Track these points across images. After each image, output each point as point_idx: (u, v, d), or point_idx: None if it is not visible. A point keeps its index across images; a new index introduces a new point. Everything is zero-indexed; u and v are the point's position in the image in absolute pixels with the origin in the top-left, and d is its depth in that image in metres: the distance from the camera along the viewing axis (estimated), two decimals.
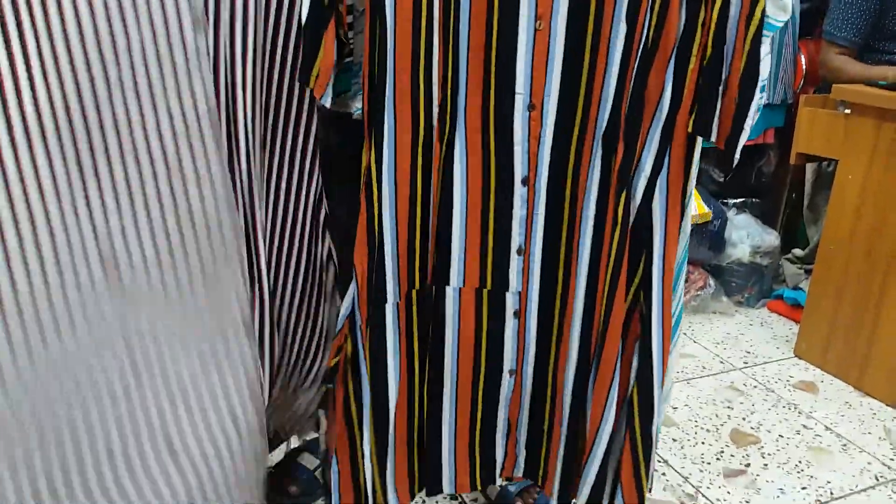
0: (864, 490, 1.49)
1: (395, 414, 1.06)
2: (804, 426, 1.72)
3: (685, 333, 2.19)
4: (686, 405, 1.79)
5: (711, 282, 2.28)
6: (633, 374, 1.03)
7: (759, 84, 0.90)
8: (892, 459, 1.60)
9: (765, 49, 0.90)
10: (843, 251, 1.92)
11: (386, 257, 0.99)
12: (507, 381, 1.10)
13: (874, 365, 1.86)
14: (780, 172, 2.69)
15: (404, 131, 0.96)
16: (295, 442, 1.41)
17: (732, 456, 1.59)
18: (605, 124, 0.96)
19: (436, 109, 0.97)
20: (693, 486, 1.48)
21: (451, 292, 1.05)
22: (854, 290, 1.90)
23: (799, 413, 1.77)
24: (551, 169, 1.00)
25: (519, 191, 1.01)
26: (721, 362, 2.02)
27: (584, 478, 1.07)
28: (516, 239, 1.03)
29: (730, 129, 0.91)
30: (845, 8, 2.19)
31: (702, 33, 0.90)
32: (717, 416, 1.74)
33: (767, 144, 2.59)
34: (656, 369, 1.02)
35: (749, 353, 2.08)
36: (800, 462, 1.57)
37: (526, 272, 1.05)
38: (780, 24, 0.93)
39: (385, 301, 1.00)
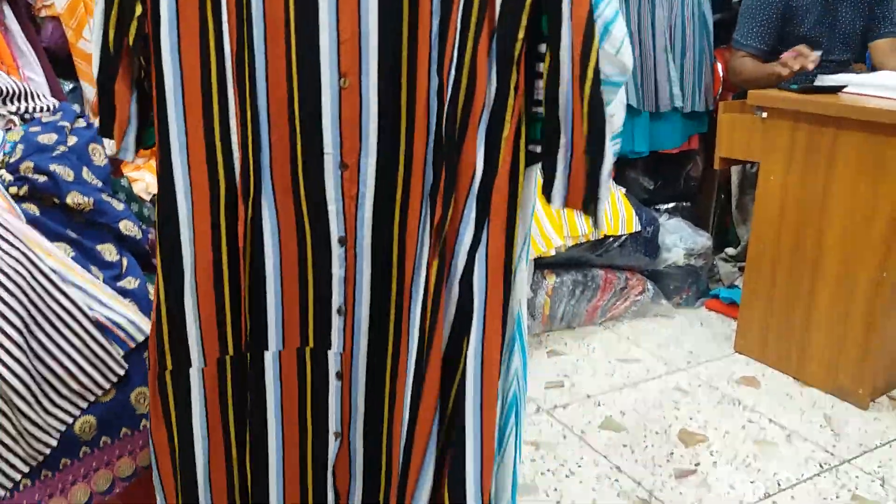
0: (811, 478, 1.53)
1: (211, 474, 1.01)
2: (749, 420, 1.75)
3: (628, 338, 2.22)
4: (634, 409, 1.80)
5: (650, 286, 2.33)
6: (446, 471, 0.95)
7: (608, 142, 0.85)
8: (833, 446, 1.65)
9: (612, 108, 0.86)
10: (772, 248, 1.98)
11: (188, 321, 0.94)
12: (332, 444, 1.03)
13: (811, 355, 1.92)
14: (707, 176, 2.78)
15: (201, 191, 0.91)
16: None
17: (682, 456, 1.61)
18: (429, 184, 0.91)
19: (237, 168, 0.91)
20: (646, 489, 1.49)
21: (269, 357, 0.98)
22: (786, 285, 1.96)
23: (743, 408, 1.81)
24: (375, 229, 0.94)
25: (336, 251, 0.95)
26: (665, 364, 2.05)
27: None
28: (336, 299, 0.97)
29: (584, 190, 0.85)
30: (751, 18, 2.29)
31: (515, 97, 0.85)
32: (664, 417, 1.76)
33: (693, 150, 2.67)
34: (470, 479, 0.93)
35: (691, 353, 2.12)
36: (747, 457, 1.60)
37: (350, 332, 0.99)
38: (622, 82, 0.87)
39: (189, 365, 0.96)
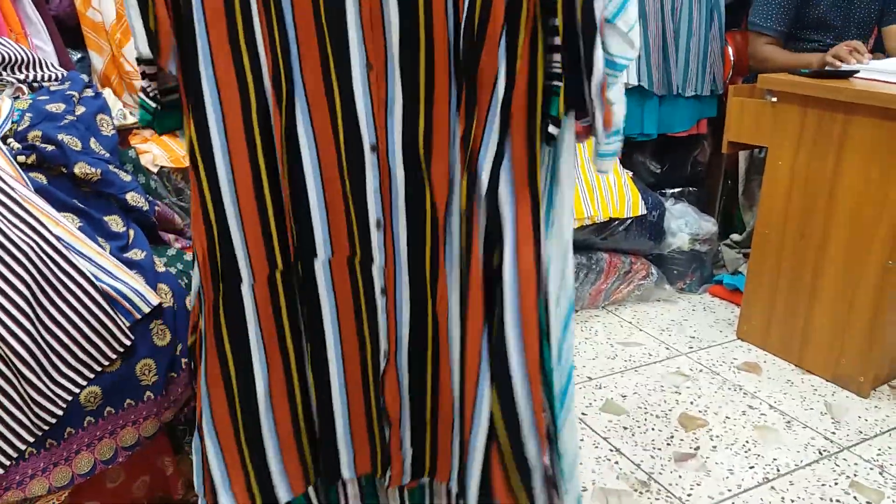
0: (809, 464, 1.54)
1: (272, 397, 0.99)
2: (749, 406, 1.76)
3: (630, 322, 2.22)
4: (635, 393, 1.81)
5: (654, 270, 2.32)
6: (489, 389, 0.93)
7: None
8: (833, 433, 1.66)
9: (614, 92, 0.87)
10: (778, 234, 1.98)
11: (233, 237, 0.92)
12: (381, 364, 1.01)
13: (813, 343, 1.92)
14: (714, 161, 2.76)
15: (231, 103, 0.88)
16: None
17: (682, 440, 1.61)
18: (455, 96, 0.90)
19: (266, 75, 0.89)
20: (645, 472, 1.50)
21: (319, 265, 0.96)
22: (790, 272, 1.96)
23: (744, 394, 1.82)
24: (405, 136, 0.92)
25: (369, 158, 0.92)
26: (667, 349, 2.06)
27: (467, 475, 0.98)
28: (374, 211, 0.95)
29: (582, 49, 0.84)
30: (768, 1, 2.26)
31: (528, 4, 0.84)
32: (665, 401, 1.77)
33: (701, 135, 2.65)
34: (518, 384, 0.92)
35: (693, 338, 2.13)
36: (747, 442, 1.61)
37: (390, 247, 0.96)
38: (628, 63, 0.88)
39: (240, 281, 0.93)
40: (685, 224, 2.40)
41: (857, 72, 1.91)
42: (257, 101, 0.89)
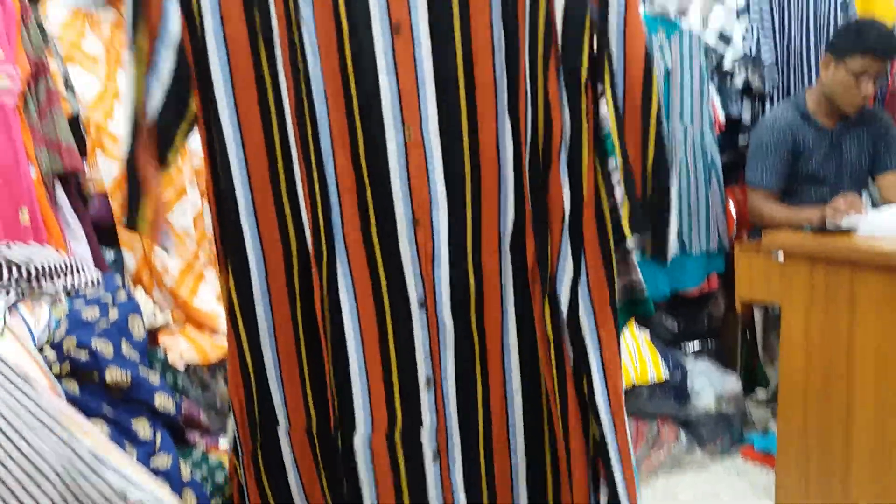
0: None
1: None
2: None
3: (665, 494, 2.14)
4: None
5: (683, 436, 2.28)
6: None
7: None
8: None
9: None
10: (802, 394, 1.95)
11: (271, 388, 0.90)
12: None
13: (856, 502, 1.84)
14: (729, 316, 2.78)
15: (275, 260, 0.88)
16: None
17: None
18: (509, 227, 0.88)
19: (308, 233, 0.88)
20: None
21: (359, 441, 0.92)
22: (819, 434, 1.91)
23: None
24: (453, 287, 0.89)
25: (417, 315, 0.89)
26: None
27: None
28: (423, 370, 0.91)
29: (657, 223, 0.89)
30: (762, 158, 2.35)
31: (588, 124, 0.85)
32: None
33: (713, 291, 2.69)
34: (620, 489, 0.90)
35: None
36: None
37: (441, 406, 0.92)
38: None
39: (277, 425, 0.92)
40: (709, 383, 2.38)
41: (856, 229, 1.95)
42: (299, 258, 0.88)
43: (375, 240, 0.88)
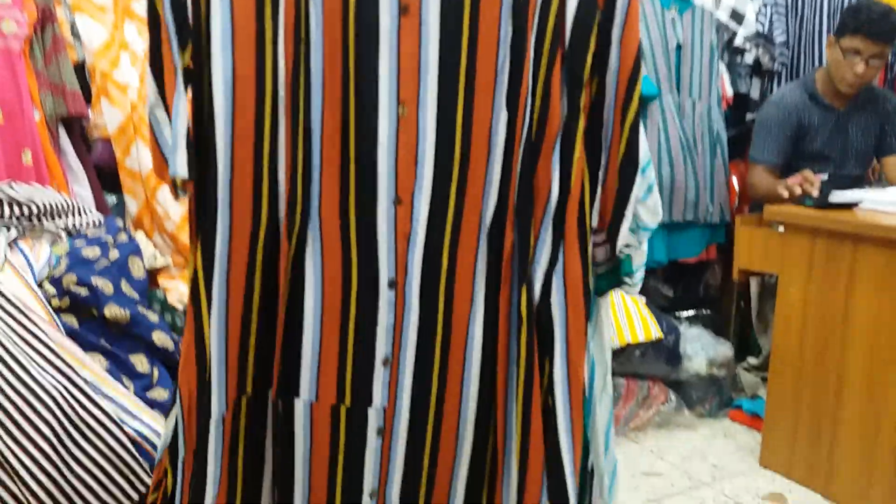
0: None
1: None
2: None
3: (652, 451, 2.18)
4: None
5: (672, 396, 2.31)
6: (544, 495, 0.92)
7: (639, 169, 0.89)
8: None
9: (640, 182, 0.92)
10: (795, 362, 1.97)
11: (212, 365, 0.87)
12: None
13: (840, 471, 1.87)
14: (726, 285, 2.80)
15: (242, 225, 0.86)
16: None
17: None
18: (489, 217, 0.89)
19: (283, 201, 0.87)
20: None
21: (300, 406, 0.92)
22: (810, 400, 1.94)
23: None
24: (425, 270, 0.89)
25: (385, 295, 0.89)
26: (689, 479, 2.01)
27: None
28: (382, 349, 0.91)
29: (611, 215, 0.90)
30: (766, 135, 2.37)
31: (583, 119, 0.87)
32: None
33: (711, 260, 2.71)
34: (570, 493, 0.92)
35: (716, 466, 2.08)
36: None
37: (393, 385, 0.92)
38: (653, 228, 0.96)
39: (209, 418, 0.88)
40: (701, 348, 2.40)
41: (860, 202, 1.96)
42: (268, 227, 0.87)
43: (353, 215, 0.87)
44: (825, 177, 2.12)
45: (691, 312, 2.69)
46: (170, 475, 0.91)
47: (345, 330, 0.90)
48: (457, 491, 0.97)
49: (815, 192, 2.02)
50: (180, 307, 1.60)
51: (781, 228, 2.02)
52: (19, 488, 1.02)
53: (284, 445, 0.93)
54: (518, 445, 0.92)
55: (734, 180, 2.74)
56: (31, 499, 1.03)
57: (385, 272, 0.89)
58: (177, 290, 1.63)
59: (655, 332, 2.24)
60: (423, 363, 0.93)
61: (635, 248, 0.97)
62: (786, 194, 2.08)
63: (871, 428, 1.80)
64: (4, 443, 1.04)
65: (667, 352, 2.28)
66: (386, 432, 0.94)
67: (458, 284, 0.90)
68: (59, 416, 1.11)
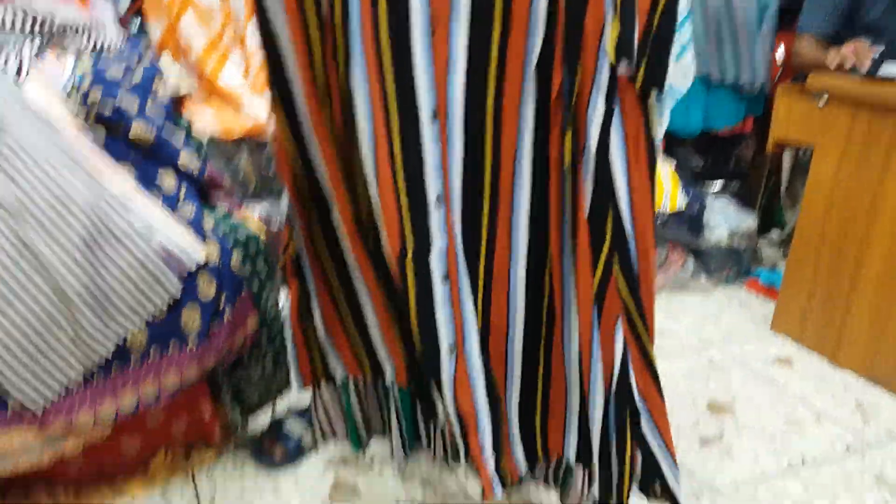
0: (836, 459, 1.53)
1: (371, 295, 1.04)
2: (779, 399, 1.75)
3: (664, 311, 2.22)
4: (663, 379, 1.81)
5: (691, 262, 2.32)
6: (617, 359, 0.93)
7: (676, 22, 0.81)
8: (863, 431, 1.64)
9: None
10: (818, 235, 1.95)
11: (317, 171, 0.94)
12: (448, 361, 0.93)
13: (849, 339, 1.90)
14: (758, 160, 2.74)
15: (299, 47, 0.86)
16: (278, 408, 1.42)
17: (708, 426, 1.62)
18: (535, 50, 0.82)
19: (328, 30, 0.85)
20: None
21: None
22: (829, 267, 1.94)
23: (775, 386, 1.81)
24: (468, 102, 0.84)
25: (428, 128, 0.84)
26: (699, 339, 2.05)
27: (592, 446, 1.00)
28: (434, 186, 0.86)
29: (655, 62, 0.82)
30: (818, 4, 2.23)
31: None
32: (694, 389, 1.78)
33: (745, 133, 2.64)
34: (643, 332, 0.95)
35: (727, 330, 2.12)
36: (774, 433, 1.61)
37: (450, 228, 0.88)
38: (685, 90, 0.89)
39: (329, 207, 0.96)
40: (725, 219, 2.38)
41: None
42: (324, 59, 0.86)
43: (385, 43, 0.83)
44: (880, 50, 2.01)
45: (719, 185, 2.65)
46: (292, 243, 1.01)
47: (394, 170, 0.87)
48: (514, 343, 0.98)
49: (867, 66, 1.92)
50: (205, 135, 1.60)
51: (824, 98, 1.93)
52: (51, 283, 1.06)
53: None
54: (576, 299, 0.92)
55: (779, 51, 2.61)
56: (67, 293, 1.07)
57: (426, 103, 0.84)
58: (203, 117, 1.62)
59: (680, 203, 2.22)
60: (472, 201, 0.89)
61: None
62: (834, 64, 1.98)
63: (886, 301, 1.80)
64: (40, 237, 1.07)
65: (690, 220, 2.26)
66: (452, 278, 0.89)
67: (505, 117, 0.85)
68: (88, 224, 1.13)
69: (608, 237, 0.87)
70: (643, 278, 0.91)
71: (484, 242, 0.90)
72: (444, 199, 0.87)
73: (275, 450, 1.34)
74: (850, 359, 1.90)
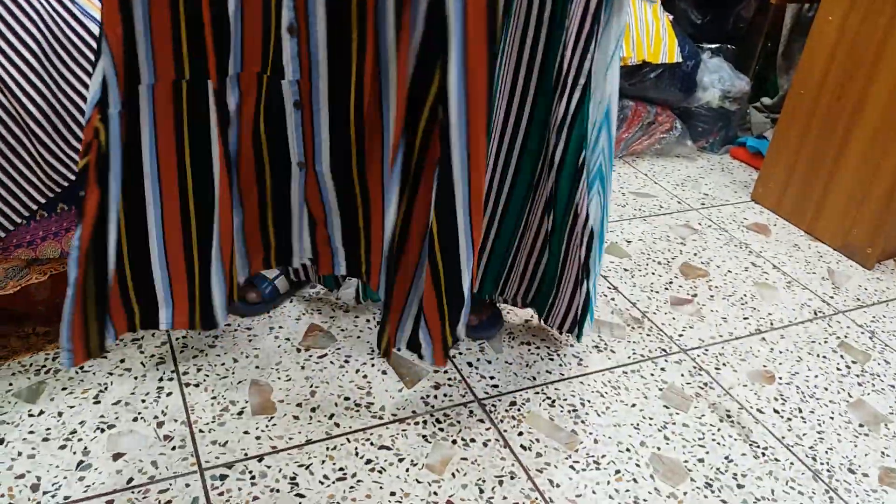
0: (803, 322, 1.57)
1: (165, 206, 0.93)
2: (752, 264, 1.77)
3: (646, 174, 2.19)
4: (640, 239, 1.81)
5: (678, 125, 2.26)
6: (432, 206, 0.90)
7: None
8: (832, 297, 1.68)
9: None
10: (813, 95, 1.90)
11: (137, 30, 0.81)
12: (296, 174, 0.99)
13: (827, 210, 1.90)
14: (758, 20, 2.61)
15: None
16: None
17: (681, 287, 1.64)
18: None
19: None
20: (640, 310, 1.53)
21: (230, 81, 0.89)
22: (818, 136, 1.90)
23: (749, 252, 1.82)
24: None
25: None
26: (679, 203, 2.04)
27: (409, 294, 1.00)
28: (287, 14, 0.85)
29: None
30: None
31: None
32: (669, 250, 1.78)
33: None
34: (461, 215, 0.88)
35: (707, 195, 2.11)
36: (745, 295, 1.63)
37: (305, 57, 0.88)
38: None
39: (138, 82, 0.84)
40: (718, 79, 2.30)
41: None
42: None
43: None
44: None
45: (715, 45, 2.54)
46: (103, 131, 0.84)
47: None
48: (390, 168, 0.94)
49: None
50: None
51: None
52: (9, 100, 0.97)
53: (205, 121, 0.90)
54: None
55: None
56: (21, 111, 0.99)
57: None
58: None
59: (677, 54, 2.12)
60: (338, 34, 0.86)
61: None
62: None
63: (870, 171, 1.78)
64: None
65: (683, 77, 2.17)
66: (305, 105, 0.92)
67: None
68: (44, 31, 1.03)
69: (434, 90, 0.85)
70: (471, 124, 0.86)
71: (353, 74, 0.89)
72: (299, 30, 0.86)
73: (249, 294, 1.32)
74: (826, 230, 1.91)
